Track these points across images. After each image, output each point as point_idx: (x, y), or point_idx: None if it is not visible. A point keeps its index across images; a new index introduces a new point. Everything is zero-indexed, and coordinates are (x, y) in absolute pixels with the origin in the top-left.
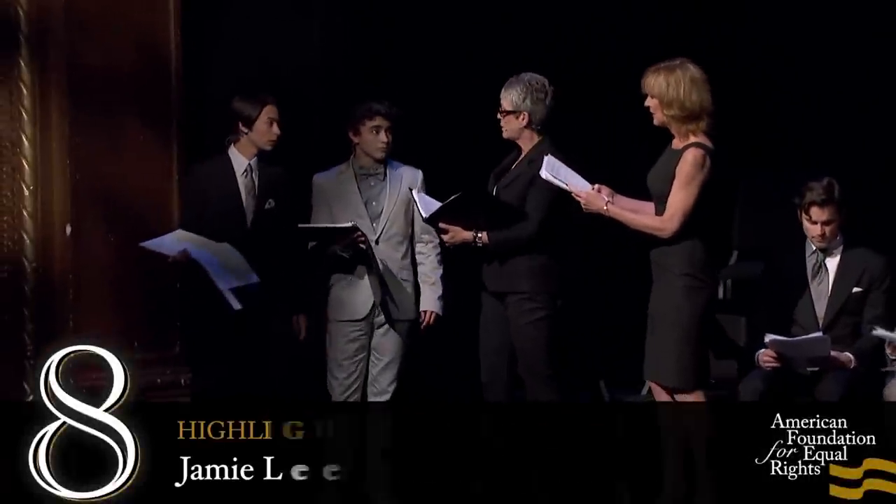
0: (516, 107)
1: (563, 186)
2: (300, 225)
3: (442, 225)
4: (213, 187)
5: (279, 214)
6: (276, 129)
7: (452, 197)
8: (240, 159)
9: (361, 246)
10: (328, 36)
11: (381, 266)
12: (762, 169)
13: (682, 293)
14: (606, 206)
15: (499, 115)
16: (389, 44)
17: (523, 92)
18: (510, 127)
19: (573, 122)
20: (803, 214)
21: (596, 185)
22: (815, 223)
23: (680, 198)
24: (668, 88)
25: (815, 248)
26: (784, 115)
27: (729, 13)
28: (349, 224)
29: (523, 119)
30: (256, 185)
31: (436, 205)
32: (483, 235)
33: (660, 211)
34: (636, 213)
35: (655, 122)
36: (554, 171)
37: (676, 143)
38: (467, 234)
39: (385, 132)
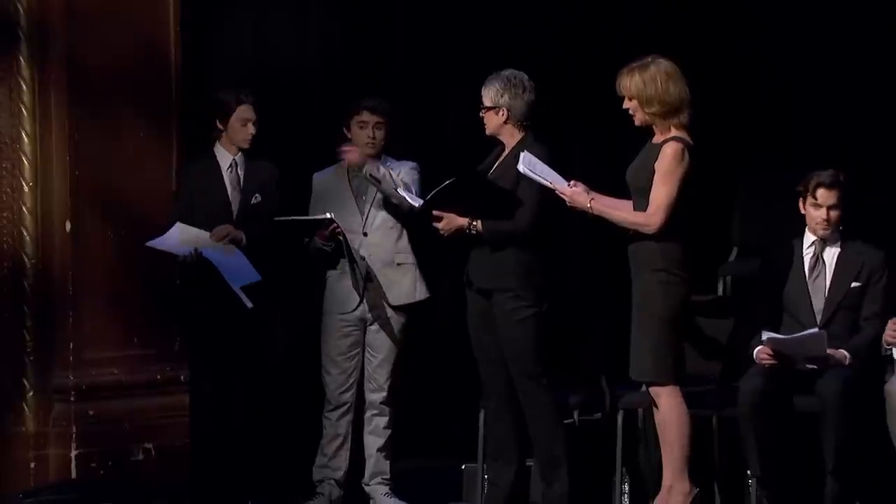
0: (495, 103)
1: (544, 182)
2: (276, 218)
3: (436, 213)
4: (201, 183)
5: (266, 208)
6: (250, 128)
7: (447, 182)
8: (224, 155)
9: (339, 238)
10: (327, 33)
11: (361, 257)
12: (762, 165)
13: (656, 288)
14: (591, 203)
15: (481, 113)
16: (389, 42)
17: (502, 88)
18: (491, 123)
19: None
20: (808, 200)
21: (572, 182)
22: (821, 207)
23: (662, 192)
24: (645, 87)
25: (813, 239)
26: (784, 111)
27: (729, 7)
28: (325, 216)
29: (503, 115)
30: (242, 179)
31: (420, 199)
32: (478, 223)
33: (638, 206)
34: (621, 210)
35: (637, 122)
36: (531, 166)
37: (657, 138)
38: (462, 221)
39: (372, 128)
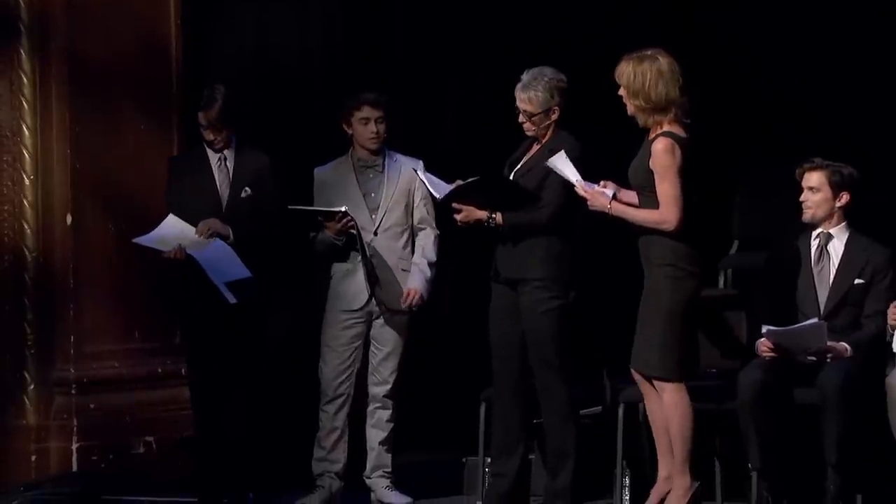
0: (547, 105)
1: (570, 180)
2: (290, 206)
3: (455, 204)
4: (191, 178)
5: (257, 202)
6: (208, 134)
7: (470, 179)
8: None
9: (352, 231)
10: (328, 26)
11: (370, 254)
12: (763, 158)
13: (663, 283)
14: (610, 204)
15: (523, 119)
16: (389, 35)
17: (549, 89)
18: (541, 125)
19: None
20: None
21: (602, 182)
22: (803, 190)
23: (664, 189)
24: (633, 79)
25: (818, 231)
26: (786, 103)
27: (729, 4)
28: (340, 209)
29: (554, 114)
30: (231, 173)
31: (442, 184)
32: (497, 216)
33: (641, 202)
34: (638, 210)
35: (628, 111)
36: (561, 164)
37: (651, 134)
38: (481, 214)
39: (374, 122)
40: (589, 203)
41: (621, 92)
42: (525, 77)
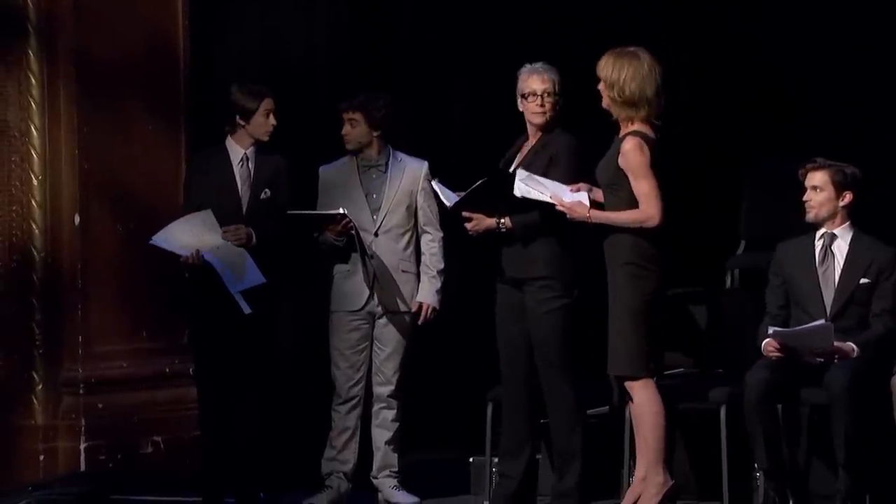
0: (520, 91)
1: (545, 199)
2: (289, 211)
3: (465, 213)
4: (211, 177)
5: (275, 204)
6: (272, 119)
7: (477, 183)
8: (236, 149)
9: (352, 233)
10: (334, 25)
11: (372, 254)
12: (770, 158)
13: (625, 281)
14: (590, 213)
15: (553, 99)
16: (395, 33)
17: (559, 80)
18: (553, 111)
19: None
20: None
21: (574, 186)
22: (806, 189)
23: (642, 186)
24: (611, 72)
25: (822, 231)
26: (791, 102)
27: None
28: (338, 211)
29: (522, 105)
30: (252, 174)
31: (453, 195)
32: (506, 221)
33: (606, 200)
34: (619, 213)
35: (602, 104)
36: (527, 181)
37: (621, 132)
38: (491, 222)
39: (347, 124)
40: (568, 215)
41: (601, 86)
42: (545, 64)
